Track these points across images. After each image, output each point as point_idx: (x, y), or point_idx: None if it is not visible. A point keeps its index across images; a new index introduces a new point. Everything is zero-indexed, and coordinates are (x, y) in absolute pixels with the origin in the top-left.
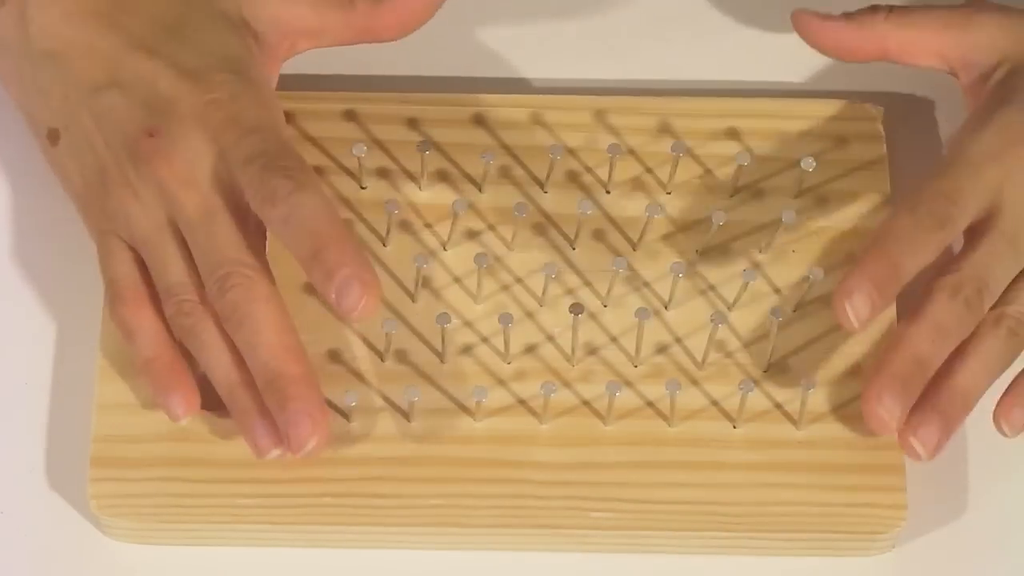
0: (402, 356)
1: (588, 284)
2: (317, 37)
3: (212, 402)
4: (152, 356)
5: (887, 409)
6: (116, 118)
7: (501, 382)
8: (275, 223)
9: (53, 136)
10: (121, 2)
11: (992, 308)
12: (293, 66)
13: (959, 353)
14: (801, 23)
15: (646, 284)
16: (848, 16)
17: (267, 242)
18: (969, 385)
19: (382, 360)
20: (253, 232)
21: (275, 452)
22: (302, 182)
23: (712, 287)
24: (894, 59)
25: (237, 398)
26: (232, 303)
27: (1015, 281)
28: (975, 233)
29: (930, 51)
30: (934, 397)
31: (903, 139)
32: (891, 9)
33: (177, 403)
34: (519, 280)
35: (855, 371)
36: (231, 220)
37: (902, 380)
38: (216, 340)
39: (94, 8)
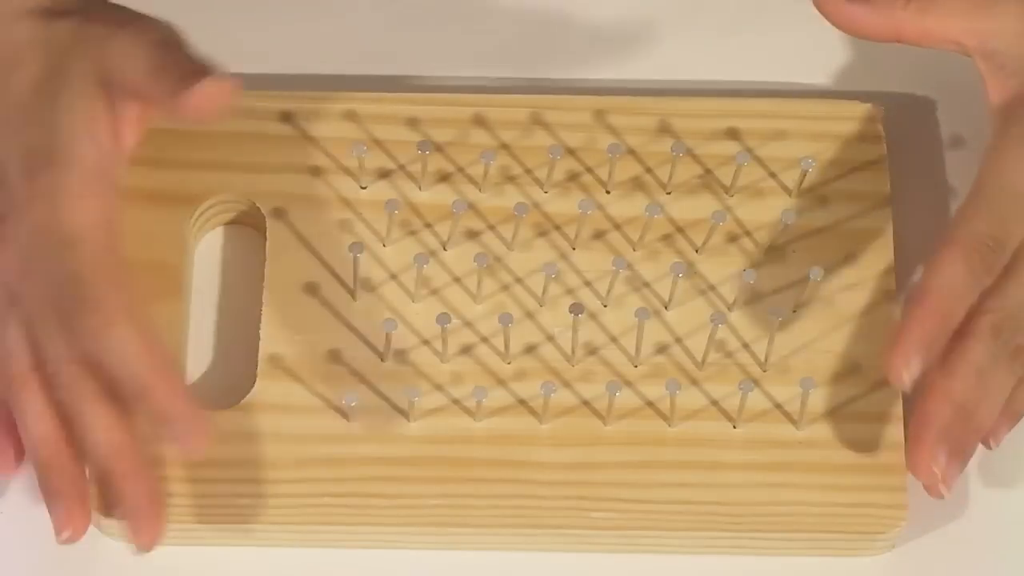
0: (402, 356)
1: (588, 284)
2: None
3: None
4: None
5: (941, 467)
6: None
7: (501, 382)
8: (92, 357)
9: None
10: (13, 66)
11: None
12: (293, 66)
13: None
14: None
15: (646, 284)
16: (869, 1)
17: (266, 243)
18: (964, 395)
19: (382, 360)
20: None
21: (65, 535)
22: (108, 316)
23: (712, 287)
24: (910, 43)
25: (43, 474)
26: (62, 400)
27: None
28: (1016, 260)
29: (947, 37)
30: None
31: (903, 139)
32: None
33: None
34: (519, 280)
35: (855, 371)
36: (60, 314)
37: (952, 434)
38: (28, 408)
39: None
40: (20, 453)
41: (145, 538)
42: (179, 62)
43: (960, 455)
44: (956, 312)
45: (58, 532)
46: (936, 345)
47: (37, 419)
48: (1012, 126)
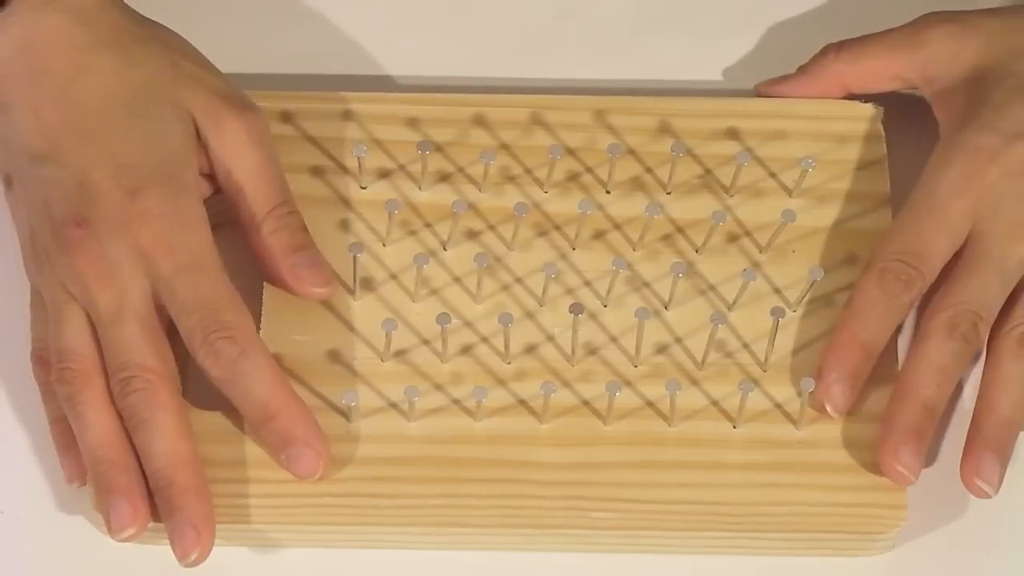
0: (402, 356)
1: (588, 284)
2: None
3: None
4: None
5: (905, 464)
6: (49, 194)
7: (501, 382)
8: (217, 380)
9: (7, 181)
10: (80, 60)
11: (1005, 330)
12: (293, 66)
13: (992, 383)
14: (763, 92)
15: (646, 284)
16: (803, 68)
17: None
18: (1013, 413)
19: (382, 360)
20: (161, 338)
21: (129, 531)
22: (246, 347)
23: (712, 287)
24: (855, 91)
25: (101, 475)
26: (132, 407)
27: (1016, 298)
28: (960, 260)
29: (887, 76)
30: (984, 434)
31: (903, 139)
32: (841, 46)
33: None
34: (519, 280)
35: None
36: (141, 325)
37: (915, 431)
38: (94, 415)
39: (57, 70)
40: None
41: (194, 552)
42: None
43: (923, 450)
44: (875, 336)
45: (119, 530)
46: (862, 372)
47: (101, 417)
48: (941, 145)
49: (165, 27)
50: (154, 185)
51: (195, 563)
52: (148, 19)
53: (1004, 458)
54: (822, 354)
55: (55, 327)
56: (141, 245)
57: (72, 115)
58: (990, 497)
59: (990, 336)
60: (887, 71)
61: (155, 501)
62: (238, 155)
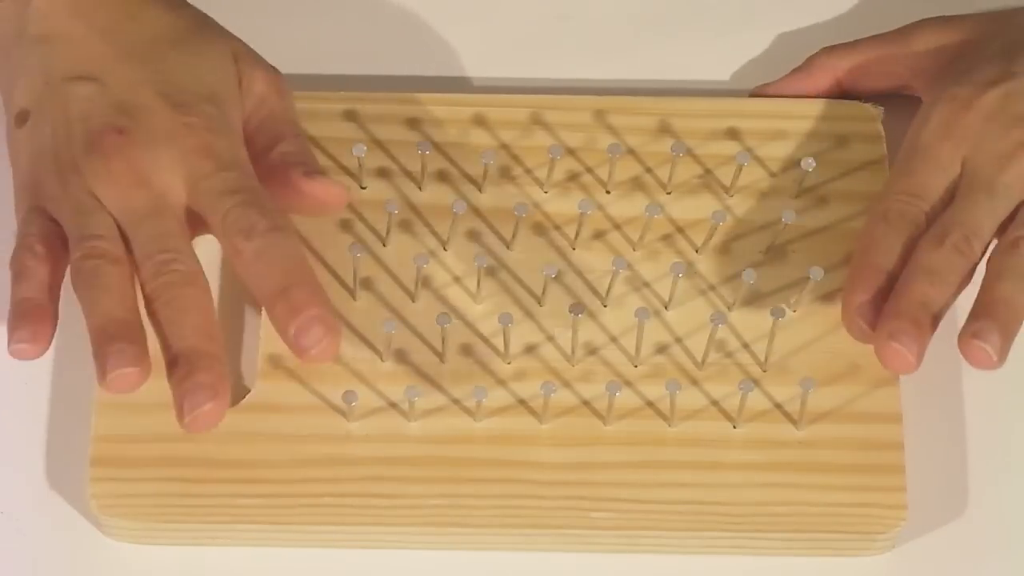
0: (402, 356)
1: (588, 284)
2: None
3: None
4: (28, 296)
5: (902, 343)
6: (87, 108)
7: (501, 382)
8: (245, 255)
9: (21, 117)
10: (128, 7)
11: (1000, 242)
12: (293, 66)
13: (988, 281)
14: (759, 92)
15: (646, 284)
16: (797, 67)
17: None
18: (1011, 296)
19: (382, 360)
20: (193, 248)
21: (130, 369)
22: (281, 223)
23: (712, 287)
24: (849, 89)
25: (114, 333)
26: (168, 283)
27: (1018, 214)
28: (955, 195)
29: (878, 71)
30: (979, 309)
31: (903, 139)
32: (835, 46)
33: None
34: (519, 280)
35: (855, 371)
36: (177, 224)
37: (910, 318)
38: (118, 282)
39: (106, 11)
40: (51, 334)
41: (213, 417)
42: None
43: (921, 337)
44: (889, 260)
45: (124, 368)
46: (882, 290)
47: (126, 286)
48: (926, 101)
49: None
50: (199, 105)
51: (206, 424)
52: None
53: (1002, 327)
54: (844, 288)
55: (80, 220)
56: (184, 152)
57: (121, 45)
58: (993, 361)
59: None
60: (879, 66)
61: (178, 365)
62: (269, 96)
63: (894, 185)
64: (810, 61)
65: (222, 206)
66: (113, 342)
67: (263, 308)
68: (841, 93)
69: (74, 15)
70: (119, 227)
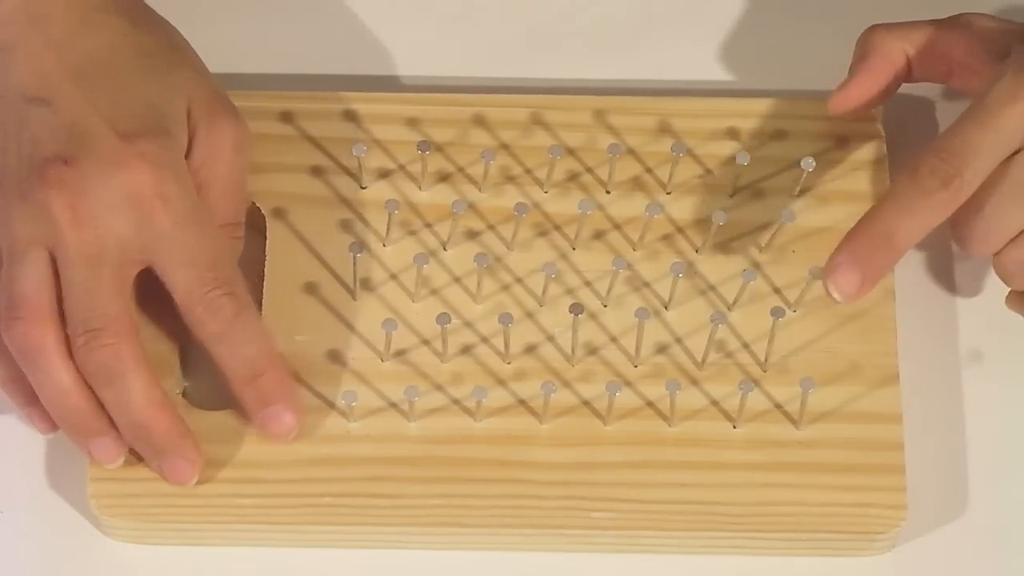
0: (402, 356)
1: (588, 284)
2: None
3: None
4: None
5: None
6: (37, 133)
7: (501, 382)
8: (208, 332)
9: None
10: (89, 16)
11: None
12: (293, 66)
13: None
14: (839, 106)
15: (646, 284)
16: (860, 58)
17: (266, 243)
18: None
19: (382, 360)
20: (131, 293)
21: (118, 462)
22: (244, 303)
23: (712, 287)
24: (916, 73)
25: (75, 423)
26: (101, 362)
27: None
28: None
29: (938, 52)
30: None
31: (903, 139)
32: (888, 25)
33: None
34: (519, 280)
35: (855, 371)
36: (115, 274)
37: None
38: (55, 367)
39: (61, 19)
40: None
41: (192, 479)
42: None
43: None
44: (897, 223)
45: (109, 462)
46: (876, 261)
47: (65, 366)
48: (996, 66)
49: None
50: (152, 134)
51: (190, 483)
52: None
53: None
54: (844, 238)
55: (9, 272)
56: (133, 190)
57: (74, 63)
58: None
59: None
60: (937, 46)
61: (137, 448)
62: (219, 154)
63: (938, 140)
64: (864, 47)
65: (182, 275)
66: (89, 437)
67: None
68: (900, 81)
69: (32, 24)
70: (54, 264)
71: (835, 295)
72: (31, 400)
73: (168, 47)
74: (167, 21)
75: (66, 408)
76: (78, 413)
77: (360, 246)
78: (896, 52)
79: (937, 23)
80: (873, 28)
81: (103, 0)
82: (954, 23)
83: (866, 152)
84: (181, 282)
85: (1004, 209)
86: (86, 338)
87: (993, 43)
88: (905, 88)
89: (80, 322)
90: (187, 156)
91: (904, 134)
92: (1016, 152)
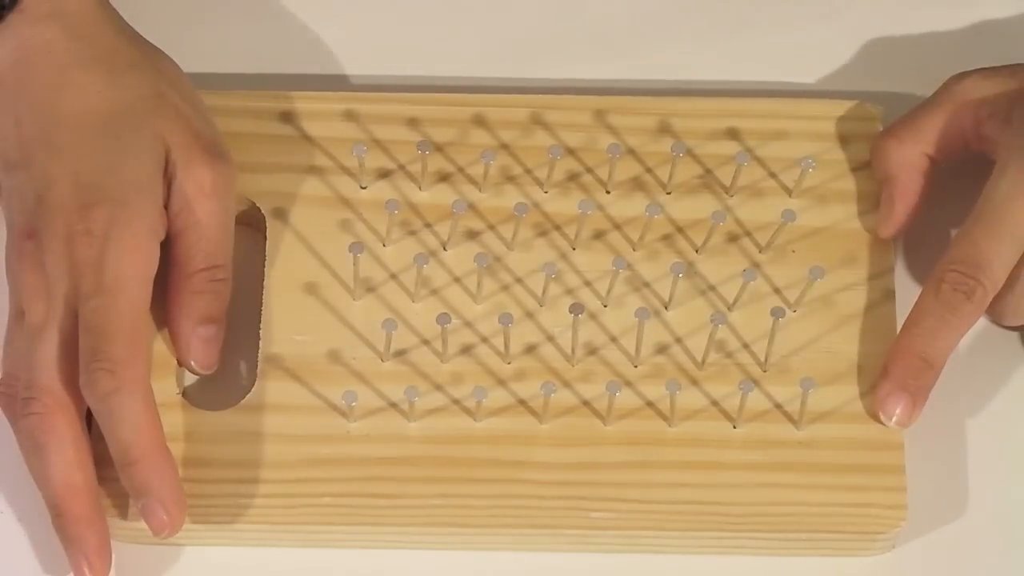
0: (402, 356)
1: (588, 284)
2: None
3: None
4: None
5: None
6: (12, 203)
7: (501, 382)
8: (92, 407)
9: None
10: (62, 76)
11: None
12: (293, 66)
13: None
14: (888, 232)
15: (646, 284)
16: (888, 185)
17: (266, 243)
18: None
19: (382, 360)
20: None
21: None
22: (121, 383)
23: (712, 287)
24: (940, 162)
25: (53, 502)
26: (26, 429)
27: None
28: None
29: (954, 135)
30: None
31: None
32: (893, 133)
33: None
34: (519, 280)
35: (855, 371)
36: (58, 345)
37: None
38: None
39: (44, 76)
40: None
41: (83, 570)
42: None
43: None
44: (933, 348)
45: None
46: (922, 386)
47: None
48: (997, 161)
49: (162, 52)
50: (106, 206)
51: None
52: (146, 42)
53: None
54: (881, 368)
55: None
56: (75, 262)
57: (48, 127)
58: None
59: None
60: (951, 130)
61: (52, 515)
62: (196, 199)
63: (953, 252)
64: (887, 168)
65: (82, 343)
66: (58, 519)
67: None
68: (931, 180)
69: (16, 88)
70: None
71: (892, 424)
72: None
73: (147, 96)
74: (156, 52)
75: (47, 481)
76: (58, 496)
77: (360, 246)
78: (918, 160)
79: (936, 106)
80: (885, 142)
81: (83, 55)
82: (950, 98)
83: (866, 152)
84: (80, 348)
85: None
86: (21, 404)
87: (995, 107)
88: (905, 88)
89: (18, 387)
90: (167, 204)
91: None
92: None
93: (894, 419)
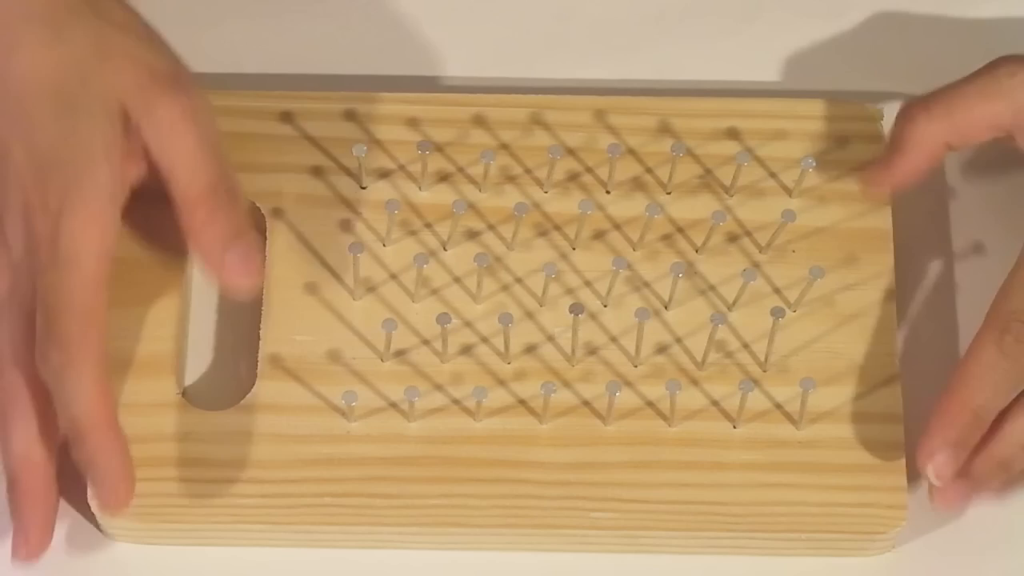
0: (402, 356)
1: (588, 284)
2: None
3: None
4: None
5: (937, 468)
6: None
7: (501, 382)
8: (46, 383)
9: None
10: (11, 37)
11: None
12: (293, 66)
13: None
14: (870, 185)
15: (646, 284)
16: (895, 141)
17: (267, 243)
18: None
19: (382, 360)
20: (31, 337)
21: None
22: (71, 359)
23: (712, 287)
24: (958, 148)
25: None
26: None
27: None
28: None
29: (983, 126)
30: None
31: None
32: (927, 104)
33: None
34: (519, 280)
35: (855, 371)
36: (20, 318)
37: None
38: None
39: (2, 36)
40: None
41: (23, 549)
42: (222, 197)
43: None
44: (988, 400)
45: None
46: (968, 440)
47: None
48: None
49: None
50: (60, 178)
51: (22, 556)
52: None
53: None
54: (931, 415)
55: None
56: (32, 236)
57: (3, 92)
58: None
59: None
60: (982, 121)
61: (8, 487)
62: (171, 137)
63: (1016, 299)
64: (909, 132)
65: (37, 317)
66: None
67: None
68: (950, 150)
69: None
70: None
71: (933, 479)
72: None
73: (92, 48)
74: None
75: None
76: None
77: (360, 246)
78: (937, 147)
79: (976, 91)
80: (916, 112)
81: (28, 9)
82: (994, 84)
83: (866, 152)
84: (36, 313)
85: None
86: None
87: None
88: (905, 88)
89: None
90: (145, 150)
91: None
92: None
93: (938, 476)
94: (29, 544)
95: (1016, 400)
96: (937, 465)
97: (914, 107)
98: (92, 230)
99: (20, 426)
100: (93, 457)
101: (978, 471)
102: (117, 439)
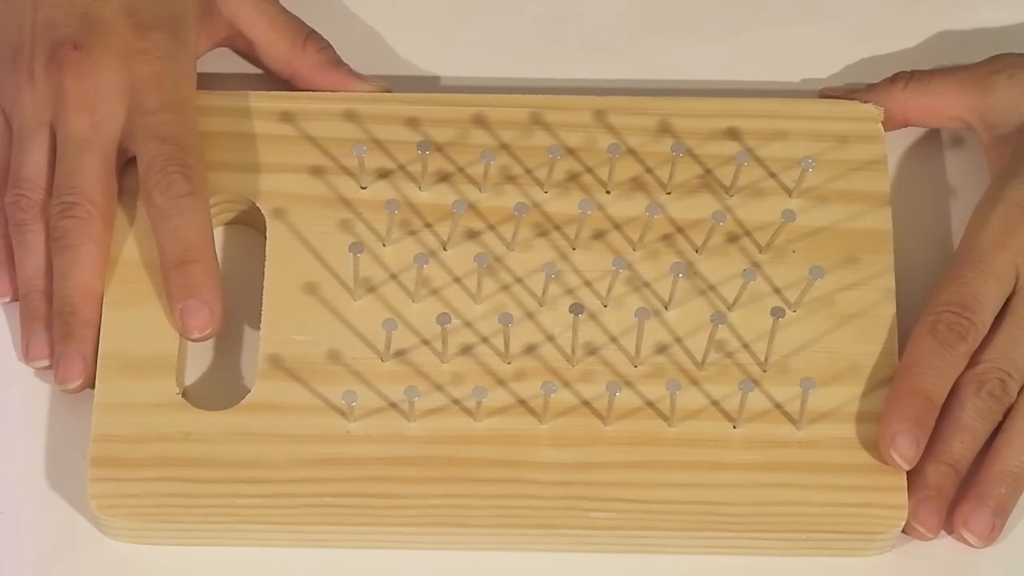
0: (402, 356)
1: (588, 284)
2: (254, 51)
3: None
4: None
5: (921, 521)
6: (52, 15)
7: (501, 382)
8: (154, 209)
9: None
10: None
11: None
12: None
13: (1001, 434)
14: (827, 93)
15: (646, 284)
16: (869, 89)
17: (266, 243)
18: (1014, 466)
19: (382, 360)
20: (114, 179)
21: (42, 362)
22: (197, 189)
23: (712, 287)
24: (916, 123)
25: (32, 302)
26: (63, 229)
27: None
28: (1000, 315)
29: (948, 114)
30: (982, 485)
31: (904, 139)
32: (911, 77)
33: None
34: (519, 280)
35: (855, 371)
36: (103, 159)
37: (936, 487)
38: (38, 244)
39: None
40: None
41: (76, 381)
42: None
43: (945, 506)
44: (934, 385)
45: (34, 359)
46: (925, 421)
47: (38, 255)
48: (984, 197)
49: None
50: (161, 29)
51: (74, 391)
52: None
53: (998, 510)
54: (883, 407)
55: (19, 152)
56: (134, 80)
57: None
58: (976, 547)
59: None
60: (949, 109)
61: (56, 323)
62: (245, 16)
63: (945, 293)
64: (884, 90)
65: (149, 151)
66: (33, 321)
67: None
68: (904, 126)
69: None
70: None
71: (899, 461)
72: (6, 262)
73: None
74: None
75: (31, 287)
76: (37, 294)
77: (360, 246)
78: (898, 114)
79: (960, 81)
80: (899, 75)
81: None
82: (977, 85)
83: (866, 152)
84: (146, 154)
85: (1020, 341)
86: (60, 208)
87: (1005, 122)
88: None
89: (59, 194)
90: (228, 22)
91: (905, 135)
92: (1013, 293)
93: (903, 458)
94: (88, 367)
95: (1012, 414)
96: (900, 448)
97: (901, 74)
98: (192, 81)
99: (90, 257)
100: (199, 282)
101: (992, 491)
102: (217, 269)
